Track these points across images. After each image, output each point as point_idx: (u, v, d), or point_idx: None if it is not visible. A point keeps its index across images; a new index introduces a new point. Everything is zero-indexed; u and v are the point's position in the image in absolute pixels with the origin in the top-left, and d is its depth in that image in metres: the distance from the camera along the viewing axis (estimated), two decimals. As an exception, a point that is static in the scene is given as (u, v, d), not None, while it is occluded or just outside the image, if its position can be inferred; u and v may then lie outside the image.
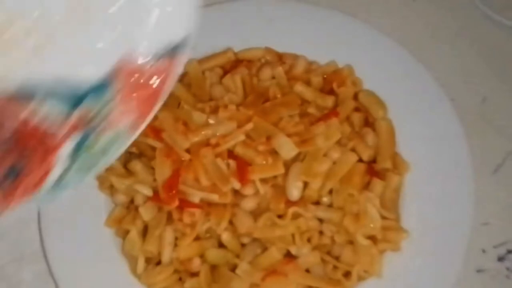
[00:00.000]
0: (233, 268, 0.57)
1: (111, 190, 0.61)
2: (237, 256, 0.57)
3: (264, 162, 0.58)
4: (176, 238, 0.58)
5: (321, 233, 0.58)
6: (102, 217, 0.60)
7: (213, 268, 0.58)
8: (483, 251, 0.62)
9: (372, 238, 0.56)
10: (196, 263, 0.57)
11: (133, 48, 0.42)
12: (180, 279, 0.58)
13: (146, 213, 0.58)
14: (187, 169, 0.58)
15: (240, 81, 0.64)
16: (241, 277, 0.56)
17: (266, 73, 0.65)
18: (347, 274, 0.56)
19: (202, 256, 0.57)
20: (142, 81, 0.43)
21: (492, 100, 0.68)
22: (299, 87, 0.63)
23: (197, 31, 0.44)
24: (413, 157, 0.61)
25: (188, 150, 0.59)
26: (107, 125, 0.43)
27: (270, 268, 0.56)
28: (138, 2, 0.41)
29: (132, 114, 0.44)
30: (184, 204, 0.57)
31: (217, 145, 0.59)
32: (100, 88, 0.42)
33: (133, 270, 0.58)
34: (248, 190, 0.58)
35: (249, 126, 0.59)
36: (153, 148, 0.61)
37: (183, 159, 0.59)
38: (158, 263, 0.58)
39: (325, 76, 0.65)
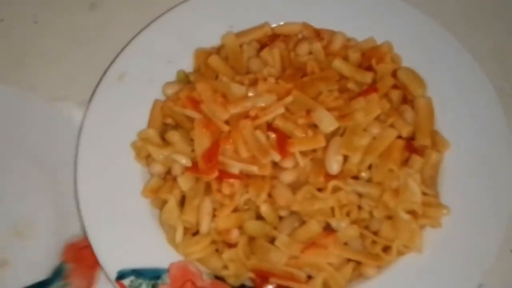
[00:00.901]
0: (271, 241, 0.57)
1: (148, 160, 0.61)
2: (275, 228, 0.57)
3: (304, 135, 0.58)
4: (214, 209, 0.57)
5: (359, 207, 0.58)
6: (138, 187, 0.60)
7: (251, 239, 0.57)
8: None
9: (412, 213, 0.56)
10: (234, 234, 0.57)
11: None
12: (217, 250, 0.58)
13: (185, 183, 0.58)
14: (226, 140, 0.58)
15: (278, 55, 0.63)
16: (280, 249, 0.55)
17: (304, 48, 0.65)
18: (385, 249, 0.56)
19: (240, 227, 0.57)
20: None
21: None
22: (338, 63, 0.63)
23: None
24: (452, 135, 0.60)
25: (227, 122, 0.59)
26: None
27: (309, 241, 0.56)
28: None
29: None
30: (223, 175, 0.57)
31: (256, 117, 0.59)
32: None
33: (171, 240, 0.57)
34: (288, 163, 0.57)
35: (289, 99, 0.59)
36: (191, 119, 0.60)
37: (222, 130, 0.58)
38: (195, 233, 0.58)
39: (363, 52, 0.65)
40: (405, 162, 0.59)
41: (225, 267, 0.57)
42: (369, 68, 0.64)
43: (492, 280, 0.59)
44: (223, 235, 0.57)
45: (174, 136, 0.60)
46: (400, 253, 0.56)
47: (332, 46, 0.65)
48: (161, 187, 0.60)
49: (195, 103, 0.60)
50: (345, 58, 0.64)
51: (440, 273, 0.56)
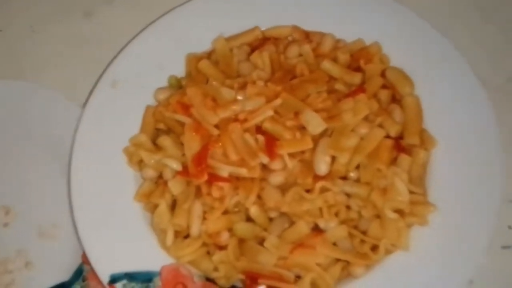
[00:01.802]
0: (261, 242, 0.58)
1: (140, 165, 0.62)
2: (265, 230, 0.58)
3: (292, 137, 0.58)
4: (204, 212, 0.58)
5: (348, 207, 0.58)
6: (131, 192, 0.62)
7: (241, 241, 0.58)
8: (510, 227, 0.62)
9: (400, 212, 0.57)
10: (224, 237, 0.57)
11: None
12: (208, 252, 0.59)
13: (175, 187, 0.59)
14: (215, 144, 0.59)
15: (268, 58, 0.64)
16: (269, 250, 0.56)
17: (293, 50, 0.65)
18: (374, 248, 0.57)
19: (230, 229, 0.58)
20: None
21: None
22: (327, 64, 0.63)
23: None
24: (440, 132, 0.61)
25: (216, 126, 0.60)
26: None
27: (297, 242, 0.56)
28: None
29: None
30: (213, 178, 0.58)
31: (245, 120, 0.59)
32: None
33: (162, 243, 0.58)
34: (276, 165, 0.58)
35: (277, 101, 0.60)
36: (182, 124, 0.61)
37: (212, 134, 0.59)
38: (186, 236, 0.59)
39: (352, 53, 0.65)
40: (394, 161, 0.60)
41: (216, 269, 0.57)
42: (358, 69, 0.64)
43: (483, 277, 0.59)
44: (213, 238, 0.58)
45: (165, 141, 0.61)
46: (388, 252, 0.56)
47: (321, 48, 0.65)
48: (153, 191, 0.61)
49: (186, 108, 0.61)
50: (334, 60, 0.64)
51: (429, 270, 0.56)
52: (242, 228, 0.58)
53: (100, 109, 0.65)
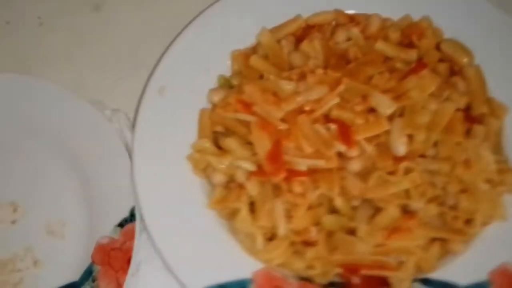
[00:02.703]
0: (349, 233, 0.56)
1: (207, 171, 0.60)
2: (351, 219, 0.56)
3: (366, 121, 0.57)
4: (287, 210, 0.56)
5: (432, 185, 0.57)
6: (201, 200, 0.59)
7: (329, 235, 0.56)
8: None
9: (489, 183, 0.56)
10: (313, 232, 0.55)
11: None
12: (295, 251, 0.56)
13: (253, 188, 0.56)
14: (287, 139, 0.57)
15: (320, 45, 0.62)
16: (363, 239, 0.54)
17: (342, 35, 0.64)
18: (467, 222, 0.56)
19: (316, 224, 0.56)
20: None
21: None
22: (380, 44, 0.62)
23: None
24: (508, 99, 0.60)
25: (283, 120, 0.58)
26: None
27: (390, 227, 0.55)
28: None
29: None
30: (291, 174, 0.56)
31: (312, 111, 0.58)
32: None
33: (249, 249, 0.56)
34: (354, 152, 0.56)
35: (341, 87, 0.58)
36: (244, 124, 0.59)
37: (280, 129, 0.57)
38: (270, 238, 0.57)
39: (402, 30, 0.64)
40: (467, 133, 0.59)
41: (310, 267, 0.55)
42: (410, 45, 0.63)
43: None
44: (302, 235, 0.56)
45: (231, 143, 0.58)
46: (484, 224, 0.55)
47: (369, 29, 0.64)
48: (226, 197, 0.58)
49: (247, 106, 0.59)
50: (385, 39, 0.63)
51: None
52: (330, 220, 0.56)
53: (151, 119, 0.61)
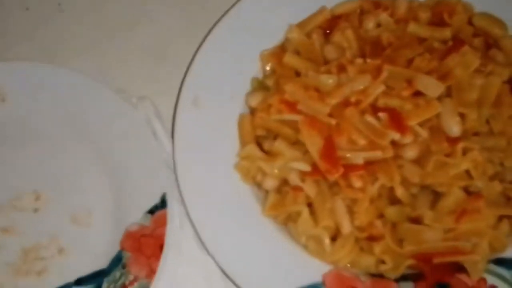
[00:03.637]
0: (413, 222, 0.54)
1: (257, 178, 0.57)
2: (413, 208, 0.55)
3: (416, 106, 0.55)
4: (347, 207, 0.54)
5: (490, 162, 0.56)
6: (256, 208, 0.57)
7: (393, 226, 0.55)
8: None
9: (549, 152, 0.55)
10: (379, 226, 0.54)
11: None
12: (361, 249, 0.55)
13: (311, 188, 0.55)
14: (339, 134, 0.55)
15: (352, 35, 0.61)
16: (432, 227, 0.53)
17: (371, 22, 0.62)
18: (531, 196, 0.55)
19: (380, 217, 0.55)
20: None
21: None
22: (413, 26, 0.60)
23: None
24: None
25: (330, 115, 0.56)
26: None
27: (455, 210, 0.53)
28: None
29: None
30: (349, 169, 0.54)
31: (359, 102, 0.56)
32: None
33: (314, 251, 0.54)
34: (408, 139, 0.55)
35: (384, 74, 0.56)
36: (288, 124, 0.57)
37: (330, 124, 0.55)
38: (331, 238, 0.55)
39: (431, 9, 0.62)
40: (514, 105, 0.58)
41: (380, 262, 0.54)
42: (441, 24, 0.62)
43: None
44: (366, 230, 0.54)
45: (280, 145, 0.56)
46: (548, 194, 0.55)
47: (397, 12, 0.62)
48: (282, 201, 0.56)
49: (291, 106, 0.57)
50: (416, 20, 0.62)
51: None
52: (394, 211, 0.54)
53: (189, 131, 0.59)
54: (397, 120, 0.55)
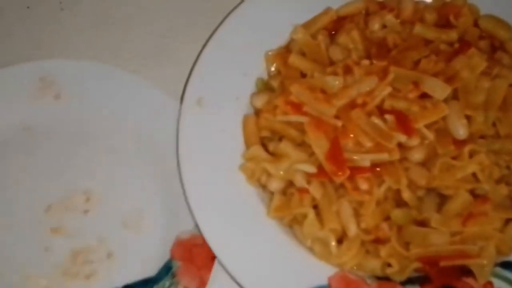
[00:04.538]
0: (419, 224, 0.54)
1: (262, 179, 0.57)
2: (420, 211, 0.54)
3: (423, 108, 0.55)
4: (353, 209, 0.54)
5: (497, 165, 0.55)
6: (261, 210, 0.56)
7: (399, 229, 0.54)
8: None
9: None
10: (385, 228, 0.53)
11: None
12: (367, 251, 0.54)
13: (317, 190, 0.54)
14: (345, 135, 0.55)
15: (358, 36, 0.60)
16: (438, 229, 0.53)
17: (376, 23, 0.62)
18: (537, 199, 0.55)
19: (386, 220, 0.54)
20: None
21: None
22: (419, 28, 0.60)
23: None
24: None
25: (336, 117, 0.55)
26: None
27: (462, 213, 0.53)
28: None
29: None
30: (355, 171, 0.54)
31: (365, 103, 0.56)
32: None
33: (320, 254, 0.53)
34: (414, 141, 0.54)
35: (391, 76, 0.56)
36: (294, 125, 0.57)
37: (336, 126, 0.55)
38: (337, 241, 0.55)
39: (437, 11, 0.62)
40: (521, 108, 0.58)
41: (386, 265, 0.53)
42: (448, 26, 0.62)
43: None
44: (373, 233, 0.54)
45: (286, 147, 0.56)
46: (554, 197, 0.54)
47: (403, 13, 0.62)
48: (287, 203, 0.56)
49: (297, 107, 0.56)
50: (422, 22, 0.62)
51: None
52: (400, 214, 0.54)
53: (193, 131, 0.59)
54: (403, 122, 0.55)
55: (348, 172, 0.53)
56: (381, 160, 0.54)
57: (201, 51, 0.62)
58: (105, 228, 0.58)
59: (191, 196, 0.56)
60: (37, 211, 0.59)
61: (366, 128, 0.55)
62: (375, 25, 0.62)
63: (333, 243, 0.53)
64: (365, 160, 0.54)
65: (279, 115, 0.57)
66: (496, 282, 0.52)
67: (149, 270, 0.56)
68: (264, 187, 0.57)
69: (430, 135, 0.54)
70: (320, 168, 0.55)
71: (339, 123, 0.55)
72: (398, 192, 0.54)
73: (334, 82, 0.57)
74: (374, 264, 0.53)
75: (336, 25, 0.64)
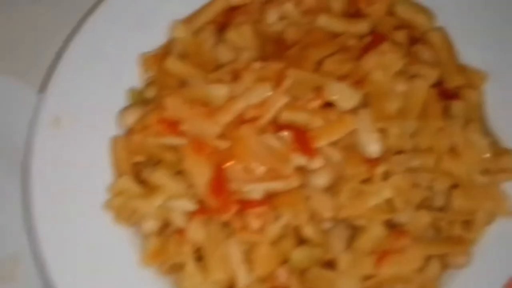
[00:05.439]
0: (326, 266, 0.44)
1: (132, 218, 0.46)
2: (326, 249, 0.45)
3: (326, 121, 0.45)
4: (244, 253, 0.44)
5: (416, 186, 0.46)
6: (132, 256, 0.45)
7: (301, 274, 0.45)
8: None
9: (485, 173, 0.46)
10: (283, 275, 0.43)
11: None
12: (265, 301, 0.45)
13: (197, 232, 0.44)
14: (231, 160, 0.44)
15: (250, 32, 0.49)
16: (347, 272, 0.43)
17: (273, 14, 0.51)
18: (465, 226, 0.46)
19: (284, 263, 0.44)
20: None
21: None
22: (323, 19, 0.50)
23: None
24: (484, 64, 0.50)
25: (222, 136, 0.45)
26: None
27: (377, 250, 0.44)
28: None
29: None
30: (244, 205, 0.43)
31: (256, 118, 0.45)
32: None
33: (205, 311, 0.43)
34: (316, 163, 0.45)
35: (288, 82, 0.46)
36: (171, 148, 0.46)
37: (220, 148, 0.44)
38: (229, 290, 0.45)
39: (344, -2, 0.52)
40: (444, 114, 0.48)
41: (288, 319, 0.44)
42: (358, 15, 0.52)
43: None
44: (269, 281, 0.44)
45: (160, 177, 0.45)
46: (485, 224, 0.45)
47: (304, 2, 0.52)
48: (164, 247, 0.45)
49: (172, 126, 0.46)
50: (327, 12, 0.51)
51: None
52: (301, 255, 0.44)
53: (48, 161, 0.47)
54: (302, 140, 0.45)
55: (235, 208, 0.43)
56: (277, 190, 0.44)
57: (57, 57, 0.50)
58: None
59: (44, 244, 0.45)
60: None
61: (258, 149, 0.44)
62: (272, 17, 0.51)
63: (217, 301, 0.43)
64: (255, 191, 0.44)
65: (150, 136, 0.46)
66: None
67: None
68: (137, 227, 0.47)
69: (336, 155, 0.45)
70: (202, 202, 0.44)
71: (224, 145, 0.44)
72: (299, 227, 0.45)
73: (219, 92, 0.46)
74: (273, 319, 0.44)
75: (226, 18, 0.52)
